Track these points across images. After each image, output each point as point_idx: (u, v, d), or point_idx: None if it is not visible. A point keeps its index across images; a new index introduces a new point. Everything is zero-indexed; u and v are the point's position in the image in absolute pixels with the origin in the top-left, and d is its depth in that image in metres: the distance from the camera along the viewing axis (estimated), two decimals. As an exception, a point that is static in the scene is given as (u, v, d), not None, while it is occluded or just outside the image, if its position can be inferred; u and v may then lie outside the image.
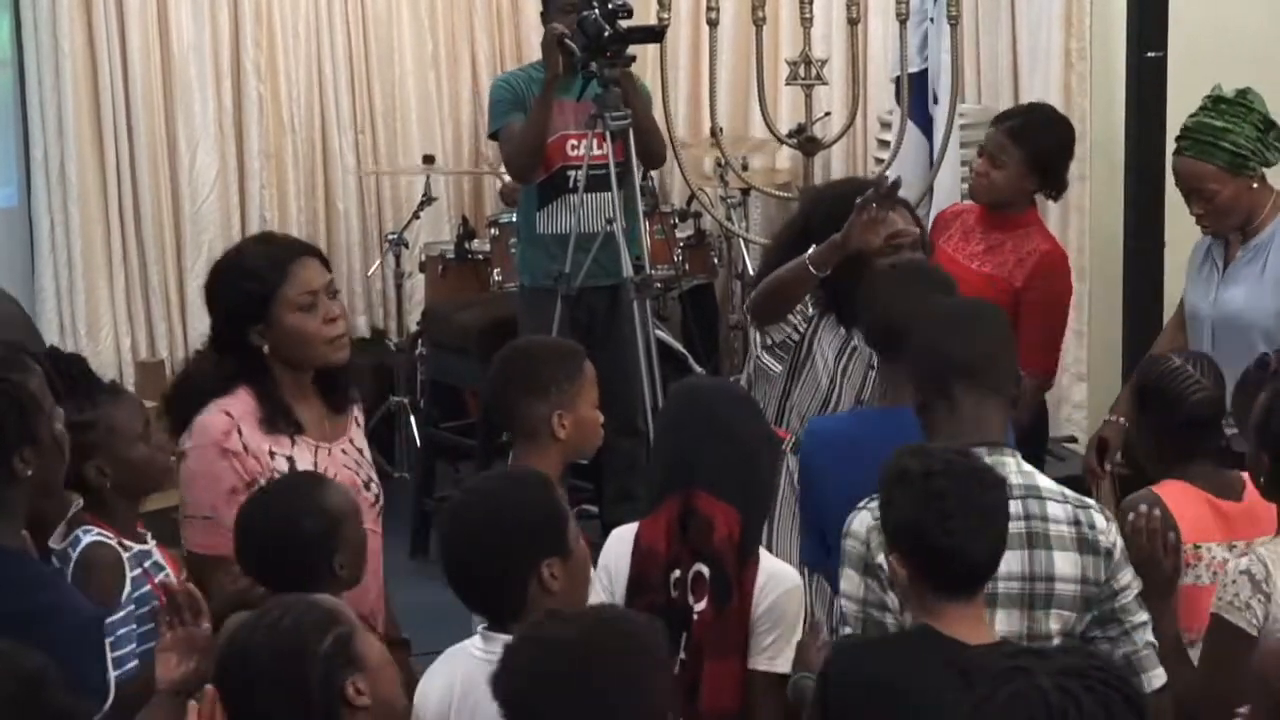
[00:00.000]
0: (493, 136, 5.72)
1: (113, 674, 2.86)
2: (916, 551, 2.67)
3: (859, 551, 2.96)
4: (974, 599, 2.69)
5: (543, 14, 5.65)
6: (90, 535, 3.11)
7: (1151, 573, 3.07)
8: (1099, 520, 2.97)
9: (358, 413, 3.53)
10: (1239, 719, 2.62)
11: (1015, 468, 2.95)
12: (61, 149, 6.79)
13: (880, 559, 2.87)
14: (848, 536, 2.98)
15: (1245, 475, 3.41)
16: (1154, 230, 4.83)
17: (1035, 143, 4.60)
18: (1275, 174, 4.28)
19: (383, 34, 7.57)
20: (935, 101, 5.81)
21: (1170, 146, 4.44)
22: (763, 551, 3.15)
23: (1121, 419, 4.23)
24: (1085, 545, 2.94)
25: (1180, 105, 4.63)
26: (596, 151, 5.35)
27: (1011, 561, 2.86)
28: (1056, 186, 4.73)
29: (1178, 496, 3.31)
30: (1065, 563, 2.93)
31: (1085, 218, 6.00)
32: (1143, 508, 3.14)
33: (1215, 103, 4.19)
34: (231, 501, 3.23)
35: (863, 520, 2.96)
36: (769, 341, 3.95)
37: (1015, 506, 2.85)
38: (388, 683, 2.49)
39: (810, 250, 3.75)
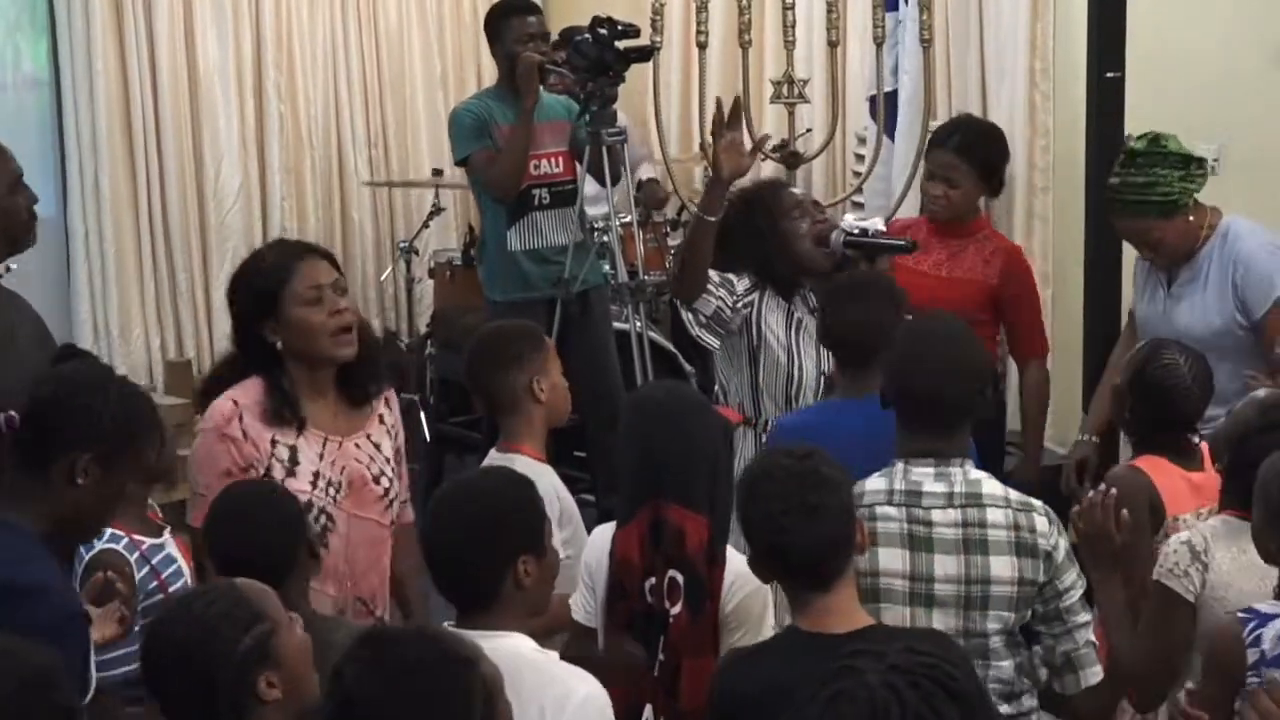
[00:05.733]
0: (460, 163, 5.72)
1: (94, 670, 2.81)
2: (762, 549, 2.79)
3: None
4: (830, 590, 2.74)
5: (493, 47, 5.70)
6: (102, 538, 3.14)
7: (1103, 544, 3.18)
8: (1039, 523, 3.06)
9: (384, 410, 3.57)
10: (1186, 693, 2.86)
11: (961, 477, 3.07)
12: (95, 163, 7.03)
13: None
14: None
15: (1203, 445, 3.60)
16: (1113, 239, 4.82)
17: (982, 156, 4.77)
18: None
19: (394, 56, 7.81)
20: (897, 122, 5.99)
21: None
22: (730, 551, 3.16)
23: (1094, 438, 4.43)
24: (1023, 549, 3.04)
25: (1136, 122, 4.66)
26: (558, 170, 5.56)
27: (949, 565, 3.03)
28: (1000, 187, 4.95)
29: (1158, 470, 3.49)
30: (1001, 566, 3.03)
31: (1048, 228, 6.15)
32: (1100, 488, 3.24)
33: (1132, 157, 4.22)
34: (225, 483, 3.32)
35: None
36: (701, 319, 4.02)
37: (955, 514, 3.04)
38: (301, 677, 2.52)
39: (698, 201, 3.85)
